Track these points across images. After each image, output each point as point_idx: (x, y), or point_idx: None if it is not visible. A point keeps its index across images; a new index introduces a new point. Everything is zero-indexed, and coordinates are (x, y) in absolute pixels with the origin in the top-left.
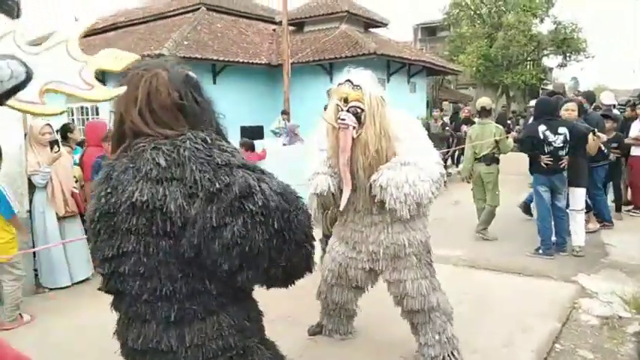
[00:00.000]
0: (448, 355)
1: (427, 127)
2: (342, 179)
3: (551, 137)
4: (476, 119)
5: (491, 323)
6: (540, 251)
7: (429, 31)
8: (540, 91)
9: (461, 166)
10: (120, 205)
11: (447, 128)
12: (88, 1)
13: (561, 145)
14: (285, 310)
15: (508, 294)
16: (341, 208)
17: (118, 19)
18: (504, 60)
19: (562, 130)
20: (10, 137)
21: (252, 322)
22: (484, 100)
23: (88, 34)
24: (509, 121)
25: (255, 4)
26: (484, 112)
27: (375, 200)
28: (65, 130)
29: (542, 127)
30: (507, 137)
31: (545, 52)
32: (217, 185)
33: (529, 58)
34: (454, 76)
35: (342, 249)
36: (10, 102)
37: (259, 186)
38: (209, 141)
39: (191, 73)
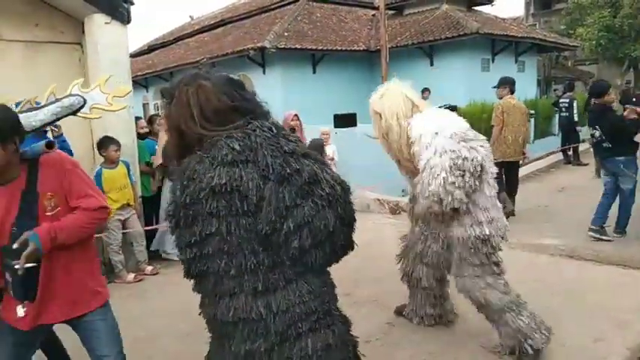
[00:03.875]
0: (517, 347)
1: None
2: None
3: (592, 130)
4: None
5: (582, 317)
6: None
7: (543, 4)
8: None
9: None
10: (199, 193)
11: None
12: (202, 1)
13: (600, 138)
14: (371, 293)
15: (606, 287)
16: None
17: (225, 15)
18: (632, 30)
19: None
20: (126, 136)
21: (329, 287)
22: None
23: (200, 31)
24: (634, 99)
25: None
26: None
27: None
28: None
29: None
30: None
31: None
32: (288, 170)
33: None
34: (572, 52)
35: (418, 227)
36: (79, 113)
37: (323, 175)
38: (274, 130)
39: (232, 75)
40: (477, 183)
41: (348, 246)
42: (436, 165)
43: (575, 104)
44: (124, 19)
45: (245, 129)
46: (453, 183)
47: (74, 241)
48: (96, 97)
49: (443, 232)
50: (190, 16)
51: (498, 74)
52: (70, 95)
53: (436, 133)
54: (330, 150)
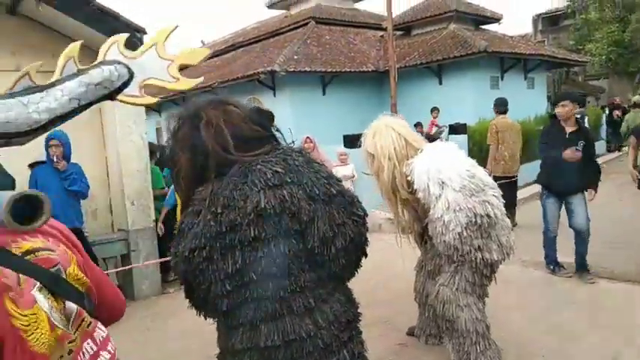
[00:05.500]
0: None
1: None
2: None
3: None
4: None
5: (596, 336)
6: None
7: (551, 21)
8: None
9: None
10: (242, 218)
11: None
12: (213, 25)
13: None
14: (382, 314)
15: (621, 304)
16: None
17: (236, 39)
18: None
19: None
20: (139, 162)
21: (353, 295)
22: (637, 98)
23: (209, 57)
24: None
25: (363, 12)
26: (636, 106)
27: None
28: None
29: None
30: None
31: None
32: (333, 191)
33: None
34: (582, 68)
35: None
36: (119, 97)
37: (355, 196)
38: (304, 154)
39: (260, 106)
40: (491, 230)
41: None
42: (450, 221)
43: (586, 119)
44: (137, 47)
45: (277, 153)
46: (469, 237)
47: None
48: (150, 67)
49: None
50: (202, 41)
51: (508, 92)
52: (103, 64)
53: (443, 183)
54: (349, 169)
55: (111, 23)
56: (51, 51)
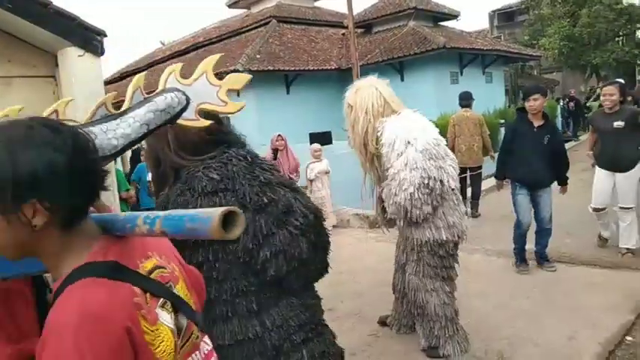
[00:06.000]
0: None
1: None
2: None
3: None
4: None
5: (556, 317)
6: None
7: (506, 17)
8: (637, 68)
9: None
10: None
11: None
12: (172, 26)
13: None
14: (353, 307)
15: (578, 287)
16: None
17: (197, 39)
18: (591, 39)
19: None
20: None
21: (317, 299)
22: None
23: (170, 57)
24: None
25: (324, 10)
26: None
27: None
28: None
29: None
30: None
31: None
32: (265, 200)
33: (620, 34)
34: (537, 62)
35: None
36: (179, 120)
37: (297, 205)
38: (249, 159)
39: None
40: (440, 199)
41: (324, 268)
42: (405, 179)
43: None
44: (98, 50)
45: (220, 158)
46: (419, 199)
47: None
48: (202, 92)
49: (405, 234)
50: (161, 42)
51: (467, 86)
52: (166, 91)
53: (408, 143)
54: (324, 164)
55: (69, 26)
56: (7, 55)
